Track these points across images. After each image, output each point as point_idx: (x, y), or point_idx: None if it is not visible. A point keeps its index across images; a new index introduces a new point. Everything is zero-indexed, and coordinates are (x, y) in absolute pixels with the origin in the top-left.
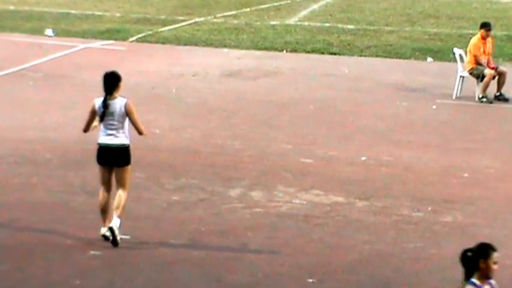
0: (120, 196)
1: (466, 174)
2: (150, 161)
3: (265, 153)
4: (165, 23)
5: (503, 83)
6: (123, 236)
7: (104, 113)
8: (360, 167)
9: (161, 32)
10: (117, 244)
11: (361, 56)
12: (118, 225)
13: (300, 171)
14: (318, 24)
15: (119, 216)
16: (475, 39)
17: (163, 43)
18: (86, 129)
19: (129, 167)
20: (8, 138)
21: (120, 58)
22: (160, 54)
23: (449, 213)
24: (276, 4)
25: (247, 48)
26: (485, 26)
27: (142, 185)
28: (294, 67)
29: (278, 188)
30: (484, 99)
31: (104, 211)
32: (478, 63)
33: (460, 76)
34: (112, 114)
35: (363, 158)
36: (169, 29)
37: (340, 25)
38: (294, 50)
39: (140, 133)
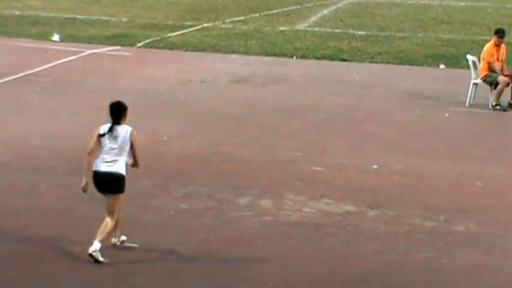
0: (106, 223)
1: (479, 183)
2: (158, 168)
3: (275, 161)
4: (172, 29)
5: None
6: (131, 245)
7: (107, 137)
8: (371, 175)
9: (169, 37)
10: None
11: (372, 62)
12: (98, 248)
13: (310, 179)
14: (328, 30)
15: (100, 241)
16: (488, 46)
17: (170, 49)
18: (92, 152)
19: (122, 195)
20: (14, 145)
21: (127, 64)
22: (168, 60)
23: (462, 223)
24: (285, 9)
25: (256, 54)
26: (499, 32)
27: (150, 192)
28: (303, 73)
29: (288, 197)
30: (498, 107)
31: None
32: (491, 70)
33: (473, 83)
34: (115, 138)
35: (375, 167)
36: (177, 35)
37: (351, 31)
38: (304, 56)
39: (134, 165)
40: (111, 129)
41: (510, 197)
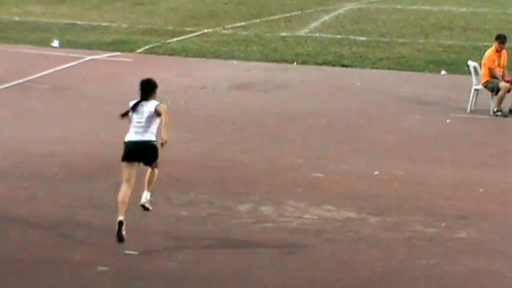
0: (151, 173)
1: (480, 189)
2: (158, 174)
3: (276, 167)
4: (173, 34)
5: None
6: (131, 252)
7: (134, 113)
8: (372, 181)
9: (169, 43)
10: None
11: (373, 68)
12: (149, 198)
13: (311, 185)
14: (329, 35)
15: (150, 191)
16: (489, 52)
17: (171, 55)
18: (123, 115)
19: (156, 164)
20: (13, 151)
21: (127, 70)
22: (168, 66)
23: (464, 229)
24: (286, 15)
25: (256, 60)
26: (500, 38)
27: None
28: (304, 79)
29: (288, 203)
30: (499, 113)
31: (123, 203)
32: (492, 76)
33: (475, 89)
34: (142, 113)
35: (376, 173)
36: (177, 41)
37: (351, 37)
38: (305, 62)
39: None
40: (136, 105)
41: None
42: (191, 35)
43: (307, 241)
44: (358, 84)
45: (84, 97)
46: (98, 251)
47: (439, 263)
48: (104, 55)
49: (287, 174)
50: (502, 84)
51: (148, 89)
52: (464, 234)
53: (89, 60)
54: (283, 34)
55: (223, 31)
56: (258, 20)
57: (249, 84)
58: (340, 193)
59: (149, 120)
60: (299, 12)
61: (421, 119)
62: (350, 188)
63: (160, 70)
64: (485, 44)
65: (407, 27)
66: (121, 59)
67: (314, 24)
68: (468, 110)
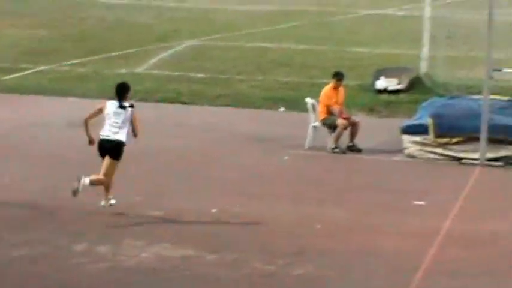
0: (102, 176)
1: (318, 226)
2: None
3: (113, 206)
4: (8, 71)
5: (356, 133)
6: None
7: (112, 113)
8: (210, 219)
9: (4, 80)
10: (76, 193)
11: (211, 105)
12: (87, 183)
13: (149, 223)
14: (167, 72)
15: (90, 180)
16: (326, 89)
17: (7, 92)
18: (89, 119)
19: (116, 162)
20: None
21: None
22: (3, 104)
23: (301, 266)
24: (124, 52)
25: (94, 97)
26: (338, 75)
27: None
28: (143, 117)
29: (125, 242)
30: (337, 150)
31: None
32: (330, 113)
33: (313, 126)
34: (119, 114)
35: (214, 210)
36: (13, 77)
37: (190, 74)
38: (143, 99)
39: (135, 135)
40: (119, 107)
41: (348, 239)
42: (27, 71)
43: (144, 280)
44: (197, 121)
45: None
46: None
47: None
48: None
49: (125, 212)
50: (339, 121)
51: (122, 91)
52: (302, 271)
53: None
54: (121, 71)
55: (61, 68)
56: (96, 57)
57: None
58: (177, 231)
59: (124, 122)
60: (138, 49)
61: (260, 156)
62: (188, 225)
63: None
64: (323, 81)
65: (245, 64)
66: None
67: (152, 61)
68: (306, 147)
